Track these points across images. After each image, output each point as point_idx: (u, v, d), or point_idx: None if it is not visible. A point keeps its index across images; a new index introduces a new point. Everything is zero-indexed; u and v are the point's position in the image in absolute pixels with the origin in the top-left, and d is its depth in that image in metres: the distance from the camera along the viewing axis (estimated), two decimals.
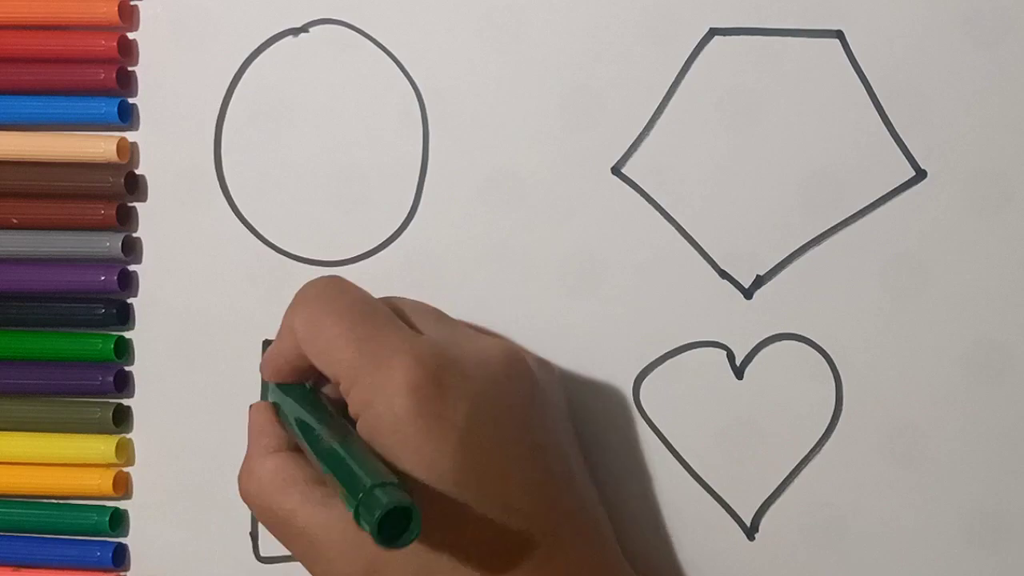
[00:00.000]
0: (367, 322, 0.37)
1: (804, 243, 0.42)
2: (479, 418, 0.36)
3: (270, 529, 0.38)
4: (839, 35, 0.42)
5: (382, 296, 0.42)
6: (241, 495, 0.39)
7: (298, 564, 0.44)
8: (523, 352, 0.40)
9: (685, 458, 0.43)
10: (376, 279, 0.45)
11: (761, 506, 0.43)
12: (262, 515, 0.38)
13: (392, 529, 0.32)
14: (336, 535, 0.36)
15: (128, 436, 0.46)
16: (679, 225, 0.43)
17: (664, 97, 0.43)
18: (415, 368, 0.36)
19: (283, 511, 0.37)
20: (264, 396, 0.42)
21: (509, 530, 0.36)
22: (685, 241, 0.43)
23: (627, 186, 0.43)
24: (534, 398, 0.38)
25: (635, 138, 0.43)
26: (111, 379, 0.45)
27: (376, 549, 0.33)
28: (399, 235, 0.44)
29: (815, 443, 0.42)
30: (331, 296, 0.39)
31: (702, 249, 0.43)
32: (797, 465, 0.43)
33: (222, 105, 0.45)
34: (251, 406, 0.41)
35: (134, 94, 0.46)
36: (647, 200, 0.43)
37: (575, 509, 0.38)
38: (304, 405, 0.39)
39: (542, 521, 0.36)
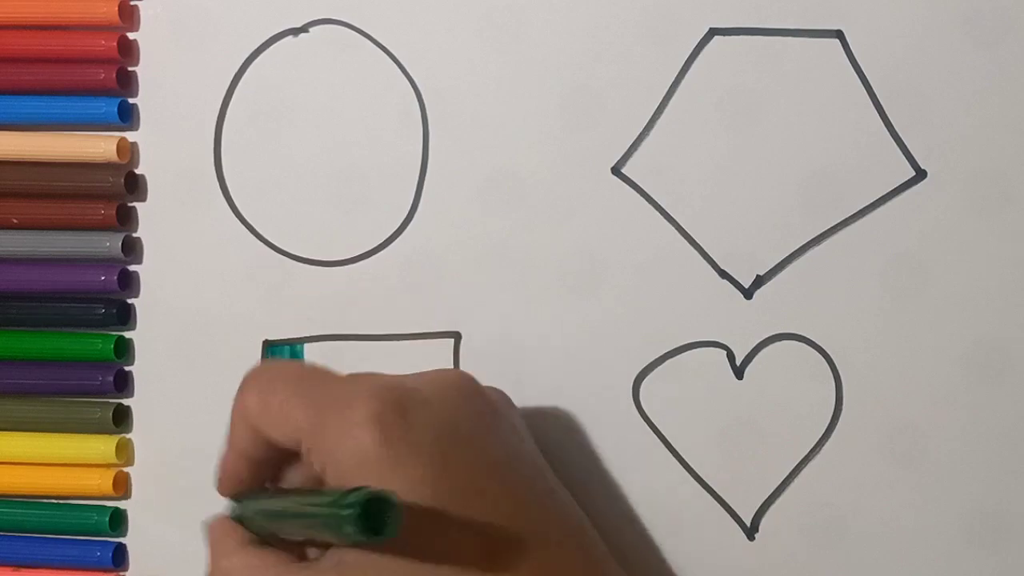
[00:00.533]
0: (316, 379, 0.38)
1: (804, 243, 0.42)
2: (448, 439, 0.36)
3: None
4: (839, 35, 0.42)
5: (381, 297, 0.42)
6: None
7: None
8: (472, 376, 0.40)
9: (685, 458, 0.43)
10: (376, 279, 0.45)
11: (761, 506, 0.43)
12: None
13: (373, 526, 0.32)
14: None
15: (128, 436, 0.46)
16: (679, 225, 0.43)
17: (664, 97, 0.43)
18: (375, 402, 0.36)
19: None
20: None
21: (500, 542, 0.35)
22: (685, 241, 0.43)
23: (627, 186, 0.43)
24: (495, 415, 0.38)
25: (635, 138, 0.43)
26: (111, 379, 0.45)
27: None
28: (399, 235, 0.45)
29: (815, 443, 0.42)
30: (275, 369, 0.39)
31: (702, 249, 0.43)
32: (797, 465, 0.43)
33: (222, 105, 0.45)
34: (208, 523, 0.40)
35: (134, 94, 0.46)
36: (647, 200, 0.43)
37: (560, 514, 0.38)
38: (265, 496, 0.39)
39: (531, 528, 0.36)
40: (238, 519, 0.40)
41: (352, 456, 0.35)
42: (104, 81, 0.44)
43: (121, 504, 0.46)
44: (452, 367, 0.43)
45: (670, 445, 0.43)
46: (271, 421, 0.37)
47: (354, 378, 0.38)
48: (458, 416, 0.37)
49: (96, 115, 0.45)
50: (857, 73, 0.42)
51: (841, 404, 0.42)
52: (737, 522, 0.43)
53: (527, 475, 0.38)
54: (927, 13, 0.41)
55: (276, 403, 0.37)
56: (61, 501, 0.46)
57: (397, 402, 0.36)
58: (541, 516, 0.37)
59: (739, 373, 0.43)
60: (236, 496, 0.40)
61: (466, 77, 0.44)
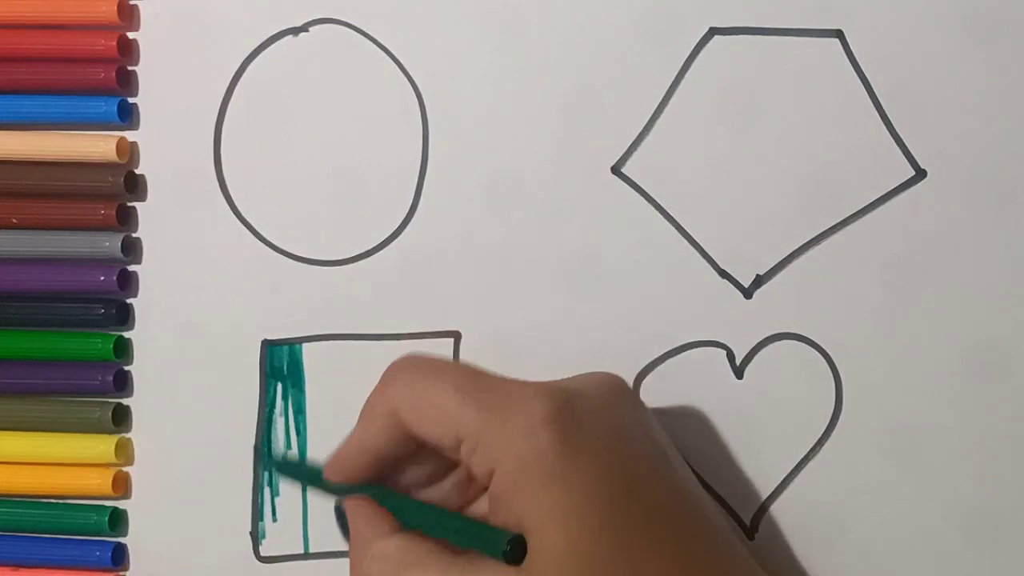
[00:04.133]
0: (476, 379, 0.37)
1: (804, 243, 0.42)
2: (617, 440, 0.36)
3: None
4: (839, 35, 0.42)
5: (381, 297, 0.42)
6: None
7: (298, 564, 0.45)
8: (622, 378, 0.40)
9: (685, 458, 0.43)
10: (376, 279, 0.45)
11: (761, 506, 0.43)
12: None
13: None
14: None
15: (127, 436, 0.46)
16: (679, 225, 0.43)
17: (664, 97, 0.43)
18: (549, 403, 0.36)
19: None
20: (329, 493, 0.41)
21: (688, 536, 0.36)
22: (685, 241, 0.43)
23: (627, 186, 0.43)
24: (648, 414, 0.39)
25: (635, 138, 0.43)
26: (111, 379, 0.45)
27: None
28: (399, 235, 0.45)
29: (815, 443, 0.42)
30: (427, 365, 0.38)
31: (702, 249, 0.43)
32: (797, 465, 0.43)
33: (222, 105, 0.45)
34: (347, 503, 0.39)
35: (134, 94, 0.46)
36: (647, 200, 0.43)
37: (715, 507, 0.38)
38: (391, 496, 0.39)
39: (712, 520, 0.37)
40: (341, 509, 0.39)
41: (526, 457, 0.35)
42: (104, 80, 0.44)
43: (121, 504, 0.46)
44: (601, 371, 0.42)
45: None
46: (425, 417, 0.37)
47: (516, 381, 0.37)
48: (622, 418, 0.37)
49: (96, 115, 0.45)
50: (857, 73, 0.42)
51: (841, 404, 0.42)
52: (737, 522, 0.43)
53: (687, 471, 0.38)
54: (927, 13, 0.41)
55: (434, 398, 0.37)
56: (61, 501, 0.46)
57: (569, 404, 0.36)
58: (709, 508, 0.37)
59: (739, 373, 0.43)
60: (343, 485, 0.40)
61: (466, 77, 0.44)
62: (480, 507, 0.39)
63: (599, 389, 0.38)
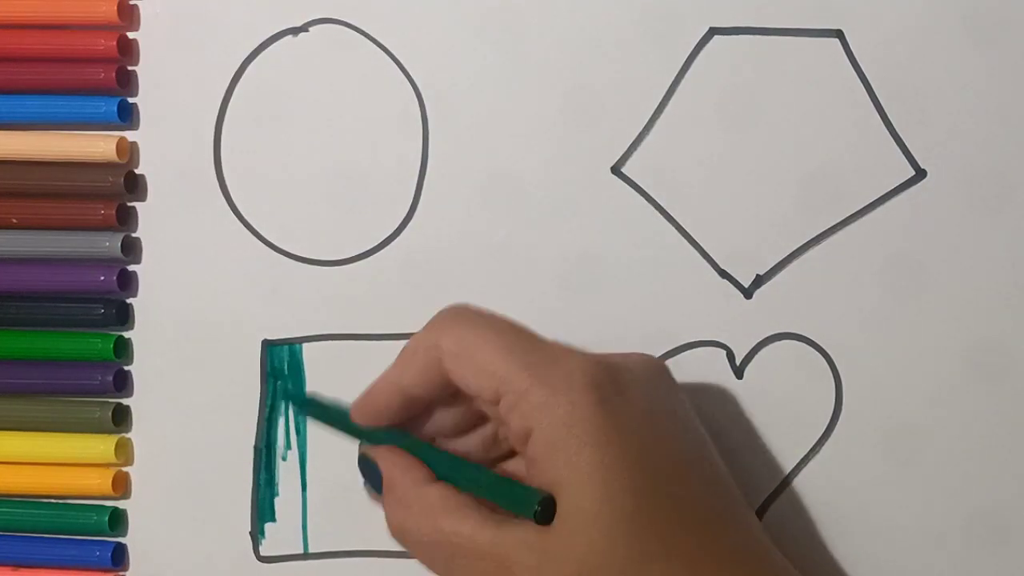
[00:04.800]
0: (523, 337, 0.37)
1: (804, 243, 0.42)
2: (657, 414, 0.36)
3: (435, 559, 0.37)
4: (839, 35, 0.42)
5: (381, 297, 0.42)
6: (396, 531, 0.38)
7: (298, 564, 0.45)
8: (662, 361, 0.40)
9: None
10: (376, 279, 0.45)
11: (761, 506, 0.43)
12: (429, 545, 0.37)
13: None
14: (532, 552, 0.35)
15: (127, 436, 0.46)
16: (679, 225, 0.43)
17: (664, 97, 0.43)
18: (593, 369, 0.36)
19: (460, 535, 0.36)
20: (357, 438, 0.41)
21: (717, 506, 0.36)
22: (685, 241, 0.43)
23: (627, 186, 0.43)
24: (683, 396, 0.39)
25: (635, 138, 0.43)
26: (110, 379, 0.45)
27: (583, 557, 0.34)
28: (398, 235, 0.44)
29: (815, 443, 0.42)
30: (476, 317, 0.38)
31: (702, 249, 0.43)
32: (797, 465, 0.43)
33: (222, 105, 0.45)
34: (377, 452, 0.39)
35: (134, 94, 0.46)
36: (647, 200, 0.43)
37: (734, 491, 0.38)
38: (422, 447, 0.39)
39: (739, 514, 0.37)
40: (367, 458, 0.39)
41: (567, 418, 0.35)
42: (104, 80, 0.44)
43: (121, 504, 0.46)
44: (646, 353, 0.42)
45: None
46: (468, 367, 0.37)
47: (563, 346, 0.37)
48: (662, 397, 0.37)
49: (96, 114, 0.45)
50: (857, 73, 0.42)
51: (841, 404, 0.42)
52: None
53: (715, 457, 0.38)
54: (927, 13, 0.41)
55: (479, 350, 0.37)
56: (61, 501, 0.46)
57: (613, 375, 0.36)
58: (727, 494, 0.37)
59: (739, 373, 0.43)
60: (368, 428, 0.39)
61: (466, 77, 0.44)
62: (502, 469, 0.39)
63: (643, 367, 0.38)
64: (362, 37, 0.44)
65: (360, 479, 0.40)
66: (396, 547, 0.41)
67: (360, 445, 0.40)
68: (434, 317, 0.38)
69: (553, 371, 0.36)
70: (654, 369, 0.38)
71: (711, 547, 0.35)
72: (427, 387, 0.38)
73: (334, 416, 0.41)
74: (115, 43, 0.44)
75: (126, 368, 0.46)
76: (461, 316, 0.38)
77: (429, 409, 0.39)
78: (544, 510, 0.35)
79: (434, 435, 0.40)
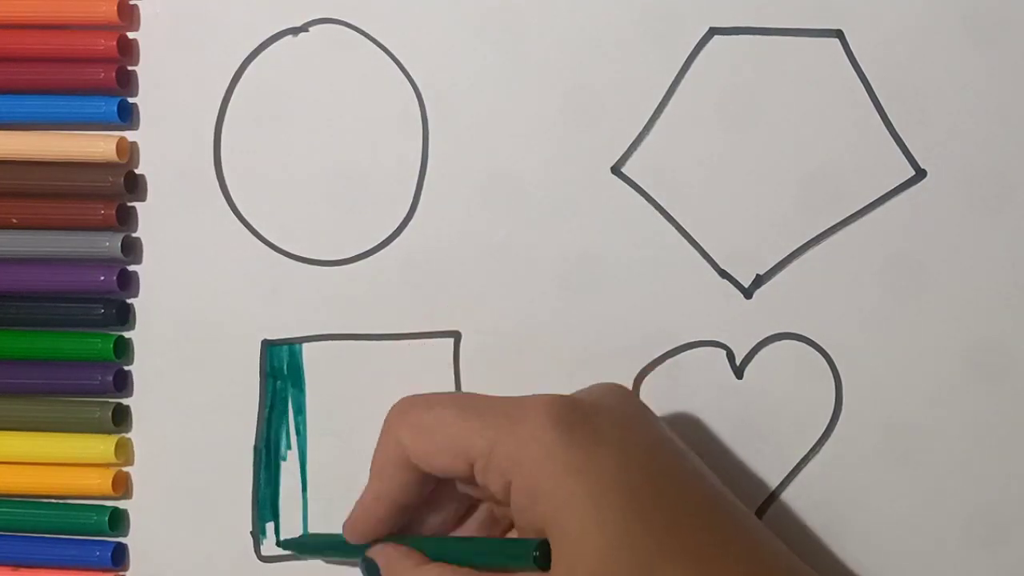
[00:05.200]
0: (476, 402, 0.38)
1: (804, 243, 0.42)
2: (626, 428, 0.37)
3: None
4: (839, 35, 0.42)
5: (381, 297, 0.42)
6: None
7: (298, 564, 0.45)
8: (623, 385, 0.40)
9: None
10: (376, 279, 0.45)
11: (761, 506, 0.43)
12: None
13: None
14: None
15: (127, 436, 0.46)
16: (679, 225, 0.43)
17: (664, 97, 0.43)
18: (552, 408, 0.36)
19: None
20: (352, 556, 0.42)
21: (710, 507, 0.36)
22: (685, 241, 0.43)
23: (627, 186, 0.43)
24: (653, 415, 0.39)
25: (635, 138, 0.43)
26: (110, 379, 0.45)
27: None
28: (398, 235, 0.44)
29: (815, 443, 0.42)
30: (425, 401, 0.39)
31: (702, 249, 0.43)
32: (797, 465, 0.43)
33: (222, 105, 0.45)
34: (372, 549, 0.40)
35: (134, 94, 0.46)
36: (647, 200, 0.43)
37: (735, 500, 0.38)
38: (414, 539, 0.40)
39: (736, 511, 0.37)
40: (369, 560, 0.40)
41: (538, 457, 0.35)
42: (104, 80, 0.44)
43: (121, 504, 0.46)
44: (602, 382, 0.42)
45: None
46: (434, 448, 0.37)
47: (516, 397, 0.38)
48: (629, 415, 0.37)
49: (96, 114, 0.45)
50: (857, 73, 0.42)
51: (841, 404, 0.42)
52: None
53: (695, 460, 0.38)
54: (927, 13, 0.41)
55: (437, 431, 0.37)
56: (61, 501, 0.46)
57: (574, 406, 0.36)
58: (731, 500, 0.38)
59: (739, 373, 0.43)
60: (366, 546, 0.40)
61: (466, 77, 0.44)
62: None
63: (602, 393, 0.38)
64: (362, 37, 0.44)
65: (361, 481, 0.40)
66: None
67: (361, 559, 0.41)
68: (386, 416, 0.39)
69: (515, 421, 0.36)
70: (617, 393, 0.39)
71: (715, 547, 0.35)
72: (407, 489, 0.39)
73: (331, 546, 0.43)
74: (115, 43, 0.44)
75: (126, 368, 0.46)
76: (411, 405, 0.39)
77: (419, 512, 0.40)
78: (542, 555, 0.35)
79: (433, 535, 0.40)
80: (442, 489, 0.40)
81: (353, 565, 0.43)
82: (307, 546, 0.44)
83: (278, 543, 0.45)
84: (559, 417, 0.36)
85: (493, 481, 0.36)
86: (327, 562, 0.44)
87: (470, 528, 0.41)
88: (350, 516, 0.41)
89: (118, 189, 0.45)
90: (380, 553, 0.39)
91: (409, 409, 0.39)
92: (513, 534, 0.40)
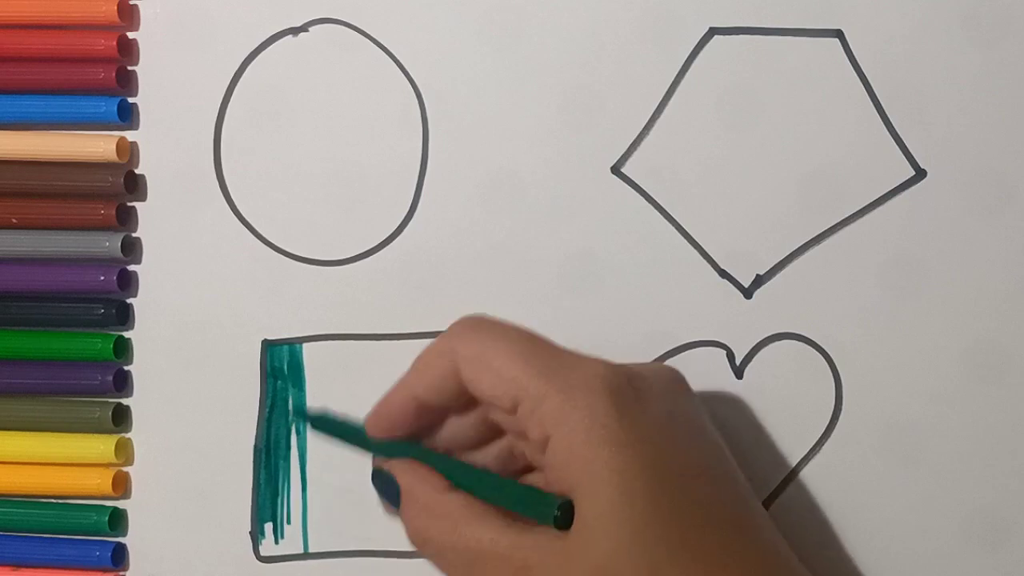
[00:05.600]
0: (540, 345, 0.37)
1: (804, 242, 0.42)
2: (674, 422, 0.37)
3: (456, 566, 0.37)
4: (839, 35, 0.42)
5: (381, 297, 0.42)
6: (418, 540, 0.38)
7: (298, 564, 0.45)
8: (680, 371, 0.40)
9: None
10: (376, 279, 0.45)
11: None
12: (451, 551, 0.37)
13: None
14: (553, 556, 0.35)
15: (127, 436, 0.46)
16: (679, 225, 0.43)
17: (664, 97, 0.43)
18: (609, 377, 0.36)
19: (481, 542, 0.36)
20: (370, 451, 0.41)
21: (735, 509, 0.36)
22: (685, 241, 0.43)
23: (627, 186, 0.43)
24: (704, 411, 0.39)
25: (635, 138, 0.43)
26: (110, 379, 0.45)
27: (603, 560, 0.34)
28: (399, 235, 0.45)
29: (815, 443, 0.42)
30: (493, 325, 0.39)
31: (702, 249, 0.43)
32: (797, 465, 0.43)
33: (222, 105, 0.45)
34: (393, 464, 0.39)
35: (134, 93, 0.46)
36: (647, 200, 0.43)
37: (758, 503, 0.39)
38: (438, 458, 0.39)
39: (759, 517, 0.37)
40: (383, 471, 0.39)
41: (585, 423, 0.35)
42: (104, 80, 0.44)
43: (120, 504, 0.46)
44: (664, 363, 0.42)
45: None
46: (486, 373, 0.37)
47: (580, 354, 0.37)
48: (680, 405, 0.38)
49: (96, 114, 0.45)
50: (857, 73, 0.42)
51: (841, 404, 0.42)
52: None
53: (732, 464, 0.38)
54: (927, 13, 0.41)
55: (497, 357, 0.37)
56: (61, 501, 0.46)
57: (630, 378, 0.36)
58: (745, 501, 0.37)
59: (739, 373, 0.43)
60: (383, 440, 0.40)
61: (466, 77, 0.44)
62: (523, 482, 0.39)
63: (659, 375, 0.38)
64: (362, 37, 0.44)
65: (361, 481, 0.40)
66: (395, 547, 0.41)
67: (373, 460, 0.40)
68: (451, 326, 0.39)
69: (570, 377, 0.36)
70: (671, 377, 0.39)
71: (731, 548, 0.35)
72: (443, 395, 0.38)
73: (346, 431, 0.42)
74: (115, 43, 0.44)
75: (126, 368, 0.46)
76: (478, 324, 0.38)
77: (443, 420, 0.39)
78: (563, 515, 0.35)
79: (448, 448, 0.40)
80: (475, 408, 0.39)
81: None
82: (323, 424, 0.43)
83: (310, 419, 0.43)
84: (614, 389, 0.36)
85: (533, 428, 0.36)
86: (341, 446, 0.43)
87: (488, 455, 0.40)
88: (376, 406, 0.40)
89: (118, 189, 0.45)
90: (402, 470, 0.39)
91: (475, 327, 0.38)
92: (530, 477, 0.40)
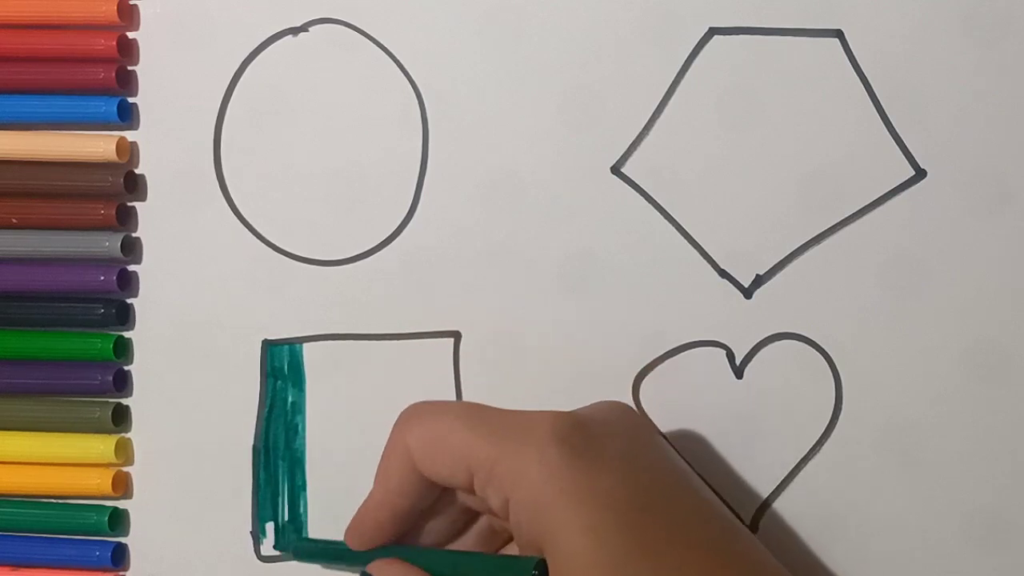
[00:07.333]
0: (485, 414, 0.38)
1: (804, 242, 0.42)
2: (629, 449, 0.37)
3: None
4: (839, 35, 0.42)
5: (381, 297, 0.42)
6: None
7: (298, 564, 0.45)
8: (625, 403, 0.40)
9: (685, 458, 0.43)
10: (376, 279, 0.45)
11: (761, 506, 0.43)
12: None
13: None
14: None
15: (127, 436, 0.46)
16: (679, 225, 0.43)
17: (664, 97, 0.43)
18: (555, 426, 0.36)
19: None
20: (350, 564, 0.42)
21: (709, 527, 0.36)
22: (685, 241, 0.43)
23: (627, 186, 0.43)
24: (658, 432, 0.39)
25: (635, 138, 0.43)
26: (110, 379, 0.45)
27: None
28: (398, 235, 0.45)
29: (815, 443, 0.42)
30: (436, 408, 0.39)
31: (702, 249, 0.43)
32: (797, 465, 0.43)
33: (222, 105, 0.45)
34: (373, 567, 0.40)
35: (134, 93, 0.46)
36: (647, 200, 0.43)
37: (734, 519, 0.39)
38: (415, 552, 0.40)
39: (735, 532, 0.37)
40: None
41: (542, 477, 0.35)
42: (104, 80, 0.44)
43: (121, 504, 0.46)
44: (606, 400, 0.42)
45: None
46: (438, 455, 0.38)
47: (522, 411, 0.38)
48: (632, 434, 0.38)
49: (96, 114, 0.45)
50: (857, 73, 0.42)
51: (841, 403, 0.42)
52: None
53: (695, 481, 0.39)
54: (927, 13, 0.41)
55: (444, 439, 0.37)
56: (61, 501, 0.46)
57: (578, 425, 0.36)
58: (729, 519, 0.38)
59: (739, 373, 0.43)
60: (367, 553, 0.40)
61: (466, 77, 0.44)
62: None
63: (612, 414, 0.38)
64: (362, 37, 0.44)
65: (361, 481, 0.40)
66: None
67: (360, 573, 0.40)
68: (397, 419, 0.39)
69: (517, 436, 0.36)
70: (623, 412, 0.39)
71: (712, 563, 0.35)
72: (410, 496, 0.39)
73: (330, 553, 0.43)
74: (115, 43, 0.44)
75: (126, 368, 0.46)
76: (421, 410, 0.39)
77: (420, 521, 0.40)
78: (540, 573, 0.35)
79: (432, 545, 0.40)
80: (445, 499, 0.40)
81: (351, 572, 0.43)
82: (305, 551, 0.44)
83: (276, 546, 0.45)
84: (563, 437, 0.36)
85: (493, 494, 0.37)
86: (324, 567, 0.44)
87: (469, 539, 0.41)
88: (352, 521, 0.41)
89: (118, 189, 0.45)
90: (382, 570, 0.39)
91: (418, 415, 0.39)
92: (511, 548, 0.40)
